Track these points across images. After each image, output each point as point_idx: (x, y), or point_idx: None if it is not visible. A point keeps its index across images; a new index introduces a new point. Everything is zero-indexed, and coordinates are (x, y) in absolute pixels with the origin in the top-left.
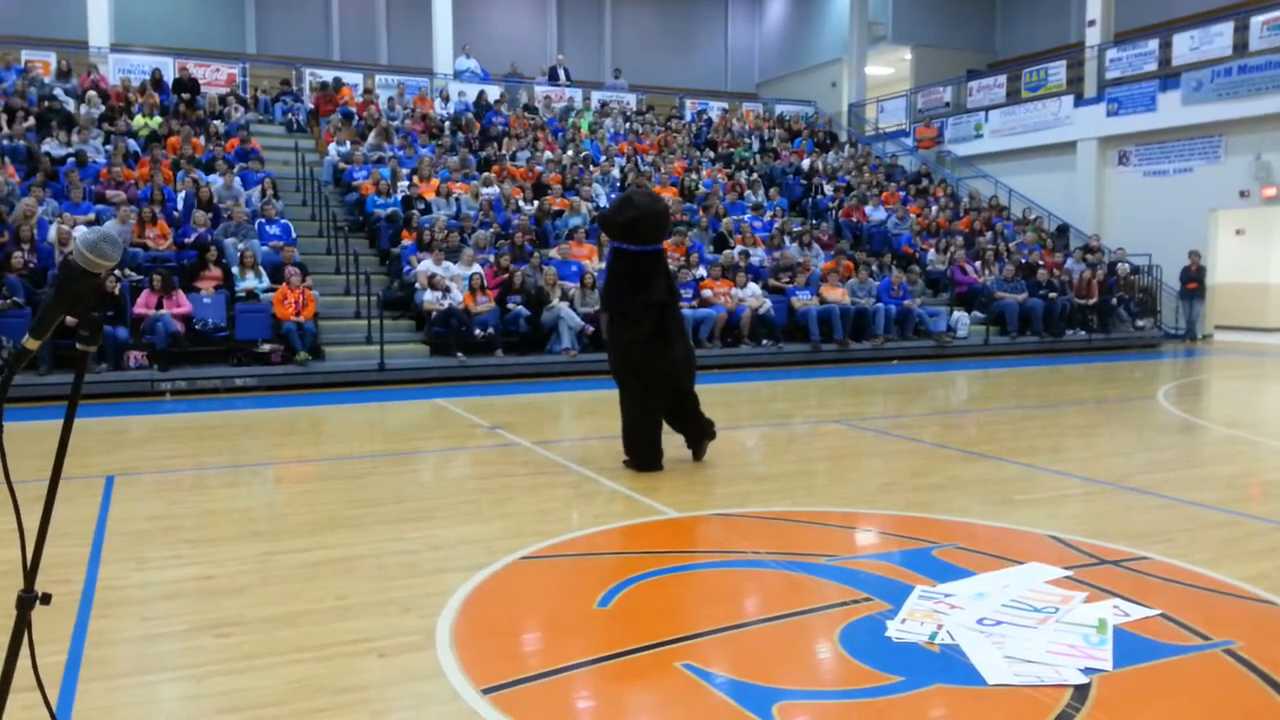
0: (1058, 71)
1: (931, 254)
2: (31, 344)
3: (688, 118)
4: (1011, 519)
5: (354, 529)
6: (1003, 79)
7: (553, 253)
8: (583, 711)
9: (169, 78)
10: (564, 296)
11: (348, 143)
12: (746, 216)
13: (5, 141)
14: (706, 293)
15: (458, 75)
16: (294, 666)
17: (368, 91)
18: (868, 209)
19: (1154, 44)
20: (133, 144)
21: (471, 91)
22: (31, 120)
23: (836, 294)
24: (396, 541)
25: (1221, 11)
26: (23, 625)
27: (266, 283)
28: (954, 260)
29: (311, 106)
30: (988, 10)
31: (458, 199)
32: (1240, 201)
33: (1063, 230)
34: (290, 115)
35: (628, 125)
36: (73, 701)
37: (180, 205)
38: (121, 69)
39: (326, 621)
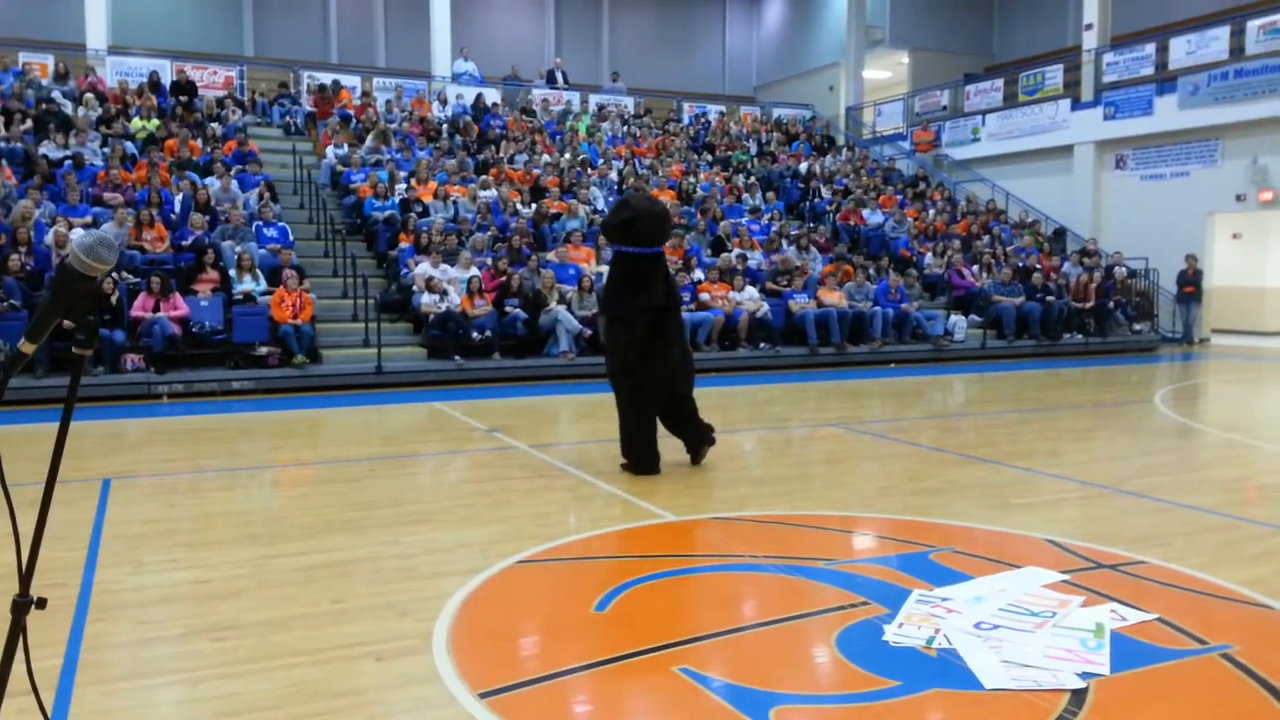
0: (1055, 75)
1: (929, 257)
2: (27, 347)
3: (685, 121)
4: (1009, 523)
5: (351, 532)
6: (1000, 83)
7: (550, 256)
8: (580, 716)
9: (166, 80)
10: (561, 299)
11: (345, 145)
12: (744, 220)
13: (2, 144)
14: (704, 296)
15: (456, 78)
16: (290, 670)
17: (365, 94)
18: (865, 212)
19: (1151, 48)
20: (130, 146)
21: (469, 94)
22: (29, 123)
23: (834, 297)
24: (394, 545)
25: (1218, 15)
26: (18, 629)
27: (264, 285)
28: (951, 264)
29: (310, 109)
30: (985, 14)
31: (455, 202)
32: (1237, 205)
33: (1060, 234)
34: (288, 118)
35: (625, 128)
36: (68, 706)
37: (178, 208)
38: (119, 71)
39: (323, 625)
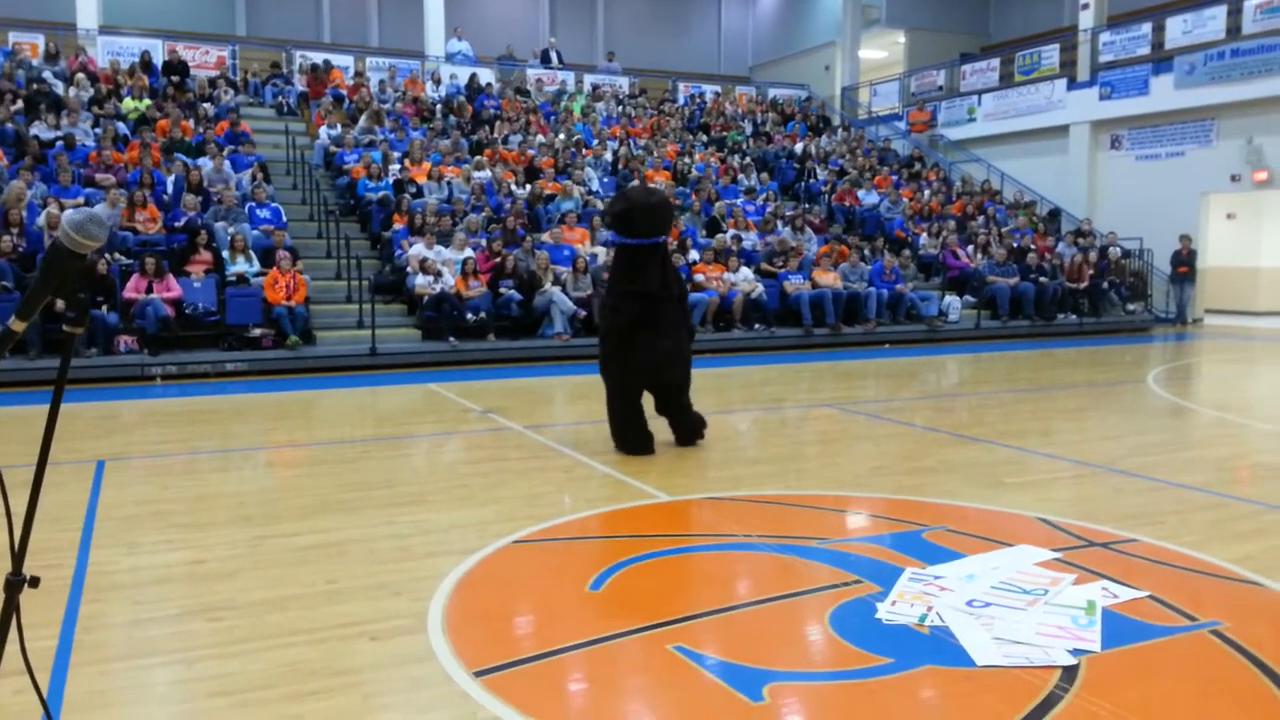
0: (1051, 55)
1: (924, 238)
2: (17, 326)
3: (680, 101)
4: (1001, 502)
5: (346, 513)
6: (996, 62)
7: (545, 237)
8: (574, 694)
9: (158, 60)
10: (556, 281)
11: (338, 126)
12: (739, 200)
13: None
14: (699, 277)
15: (449, 58)
16: (285, 650)
17: (359, 74)
18: (860, 193)
19: (1147, 27)
20: (122, 127)
21: (463, 74)
22: (20, 103)
23: (829, 278)
24: (388, 526)
25: None
26: (11, 609)
27: (257, 267)
28: (946, 244)
29: (302, 89)
30: None
31: (449, 183)
32: (1231, 185)
33: (1054, 214)
34: (281, 98)
35: (620, 109)
36: (64, 686)
37: (170, 189)
38: (110, 51)
39: (318, 605)
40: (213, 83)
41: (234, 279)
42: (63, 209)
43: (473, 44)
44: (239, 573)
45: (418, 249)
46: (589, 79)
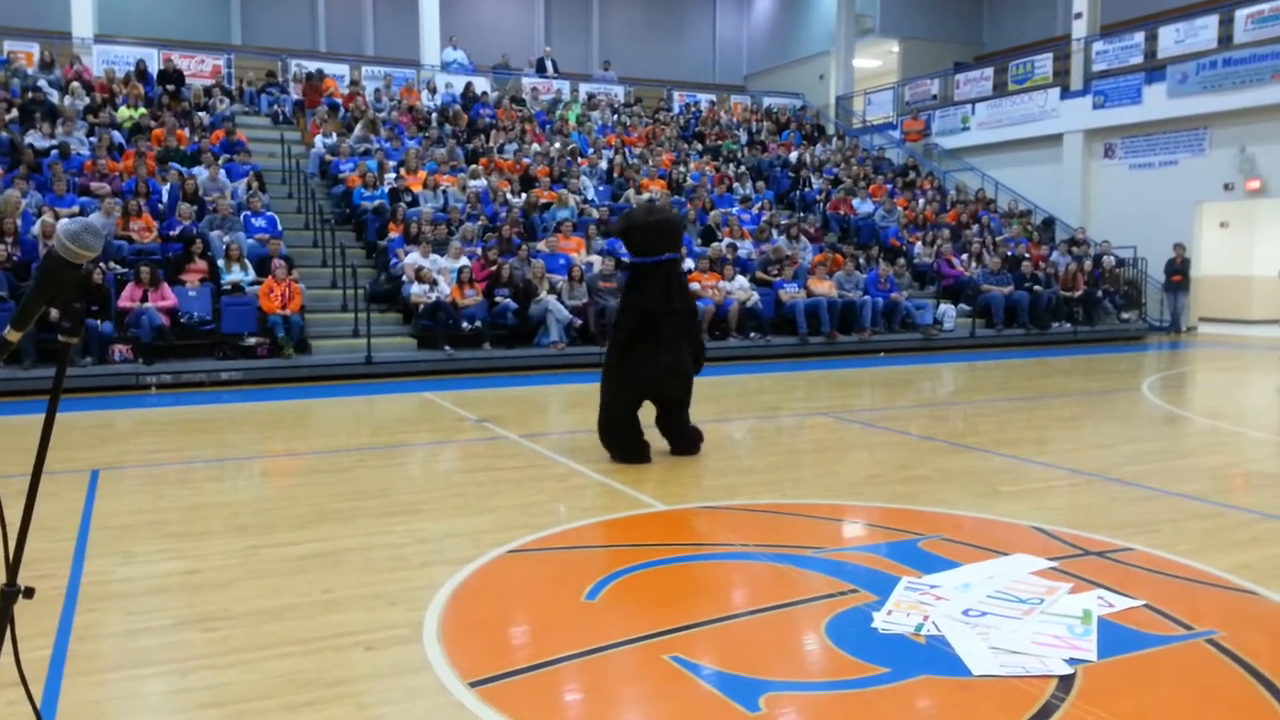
0: (1044, 64)
1: (918, 247)
2: (12, 335)
3: (676, 110)
4: (997, 510)
5: (341, 522)
6: (989, 72)
7: (540, 245)
8: (570, 704)
9: (153, 69)
10: (552, 289)
11: (334, 135)
12: (734, 209)
13: None
14: (694, 286)
15: (445, 67)
16: (281, 660)
17: (354, 83)
18: (855, 202)
19: (1140, 37)
20: (117, 136)
21: (459, 83)
22: (15, 112)
23: (824, 287)
24: (384, 535)
25: (1207, 4)
26: (5, 619)
27: (252, 275)
28: (941, 253)
29: (298, 98)
30: (975, 3)
31: (445, 191)
32: (1224, 194)
33: (1049, 223)
34: (276, 107)
35: (615, 117)
36: (58, 696)
37: (165, 197)
38: (105, 60)
39: (313, 615)
40: (208, 91)
41: (229, 288)
42: (58, 218)
43: (468, 53)
44: (234, 582)
45: (413, 258)
46: (584, 88)
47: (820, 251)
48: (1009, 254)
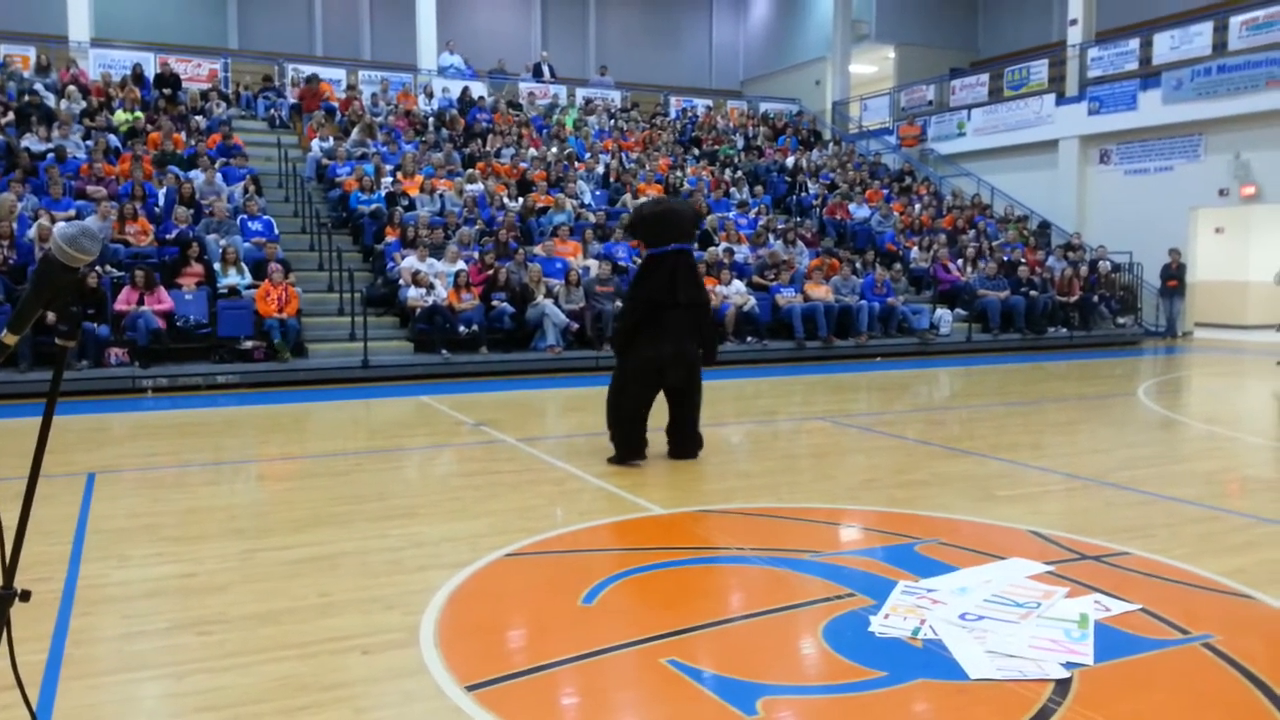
0: (1040, 70)
1: (915, 251)
2: (9, 339)
3: (672, 115)
4: (993, 514)
5: (338, 526)
6: (985, 78)
7: (537, 250)
8: (567, 708)
9: (150, 73)
10: (548, 294)
11: (330, 139)
12: (731, 214)
13: None
14: None
15: (442, 71)
16: (277, 664)
17: (351, 87)
18: (851, 207)
19: (1135, 43)
20: (113, 139)
21: (455, 88)
22: (11, 115)
23: (820, 291)
24: (380, 539)
25: (1201, 11)
26: (1, 623)
27: (249, 279)
28: (937, 258)
29: (294, 101)
30: (971, 9)
31: (442, 195)
32: (1220, 200)
33: (1044, 228)
34: (273, 111)
35: (612, 122)
36: (53, 700)
37: (161, 201)
38: (102, 64)
39: (310, 619)
40: (205, 95)
41: (225, 291)
42: (54, 221)
43: (466, 58)
44: (230, 586)
45: (410, 262)
46: (581, 93)
47: (817, 256)
48: (1005, 259)
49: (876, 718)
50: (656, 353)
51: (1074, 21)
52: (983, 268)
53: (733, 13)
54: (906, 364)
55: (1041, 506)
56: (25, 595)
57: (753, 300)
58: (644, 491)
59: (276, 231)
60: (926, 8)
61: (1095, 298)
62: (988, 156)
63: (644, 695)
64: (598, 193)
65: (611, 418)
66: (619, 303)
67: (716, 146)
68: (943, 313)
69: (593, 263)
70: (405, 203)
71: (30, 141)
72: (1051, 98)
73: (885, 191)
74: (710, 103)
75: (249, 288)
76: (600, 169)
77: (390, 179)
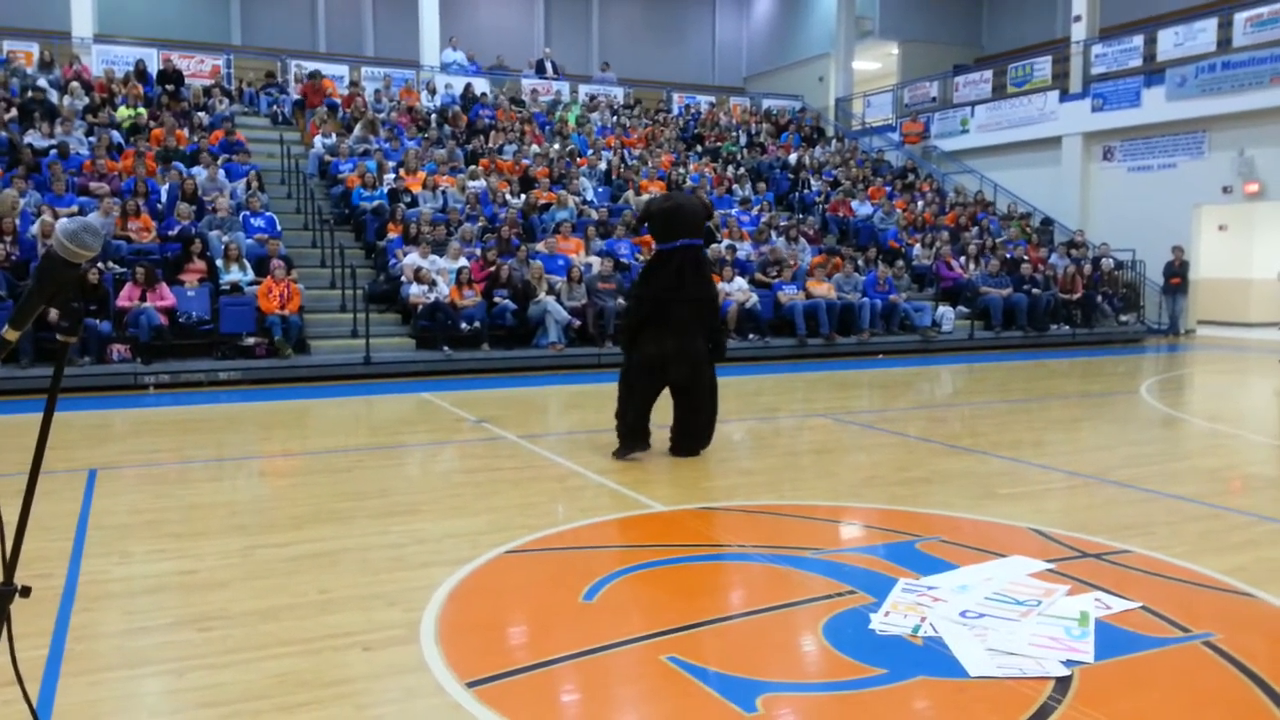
0: (1043, 67)
1: (917, 249)
2: (11, 335)
3: (675, 111)
4: (995, 512)
5: (339, 523)
6: (989, 74)
7: (539, 246)
8: (568, 705)
9: (153, 69)
10: (550, 290)
11: (333, 135)
12: (733, 211)
13: None
14: None
15: (444, 68)
16: (278, 660)
17: (353, 84)
18: (854, 204)
19: (1139, 40)
20: (116, 135)
21: (458, 84)
22: (14, 111)
23: (823, 289)
24: (382, 535)
25: (1206, 8)
26: (1, 618)
27: (251, 276)
28: (939, 255)
29: (297, 98)
30: (974, 5)
31: (444, 192)
32: (1223, 197)
33: (1047, 225)
34: (275, 107)
35: (615, 119)
36: (54, 696)
37: (164, 197)
38: (105, 60)
39: (311, 615)
40: (207, 91)
41: (228, 288)
42: (56, 217)
43: (469, 54)
44: (231, 582)
45: (412, 258)
46: (584, 89)
47: (819, 253)
48: (1008, 256)
49: (877, 715)
50: (659, 349)
51: (1078, 18)
52: (985, 265)
53: (736, 9)
54: (908, 361)
55: (1043, 504)
56: (26, 591)
57: (755, 297)
58: (646, 488)
59: (279, 228)
60: (930, 4)
61: (1098, 295)
62: (991, 153)
63: (644, 692)
64: (600, 189)
65: (619, 409)
66: (621, 300)
67: (719, 143)
68: (945, 310)
69: (595, 259)
70: (408, 199)
71: (33, 137)
72: (1055, 94)
73: (888, 188)
74: (713, 99)
75: (251, 284)
76: (603, 165)
77: (393, 175)
